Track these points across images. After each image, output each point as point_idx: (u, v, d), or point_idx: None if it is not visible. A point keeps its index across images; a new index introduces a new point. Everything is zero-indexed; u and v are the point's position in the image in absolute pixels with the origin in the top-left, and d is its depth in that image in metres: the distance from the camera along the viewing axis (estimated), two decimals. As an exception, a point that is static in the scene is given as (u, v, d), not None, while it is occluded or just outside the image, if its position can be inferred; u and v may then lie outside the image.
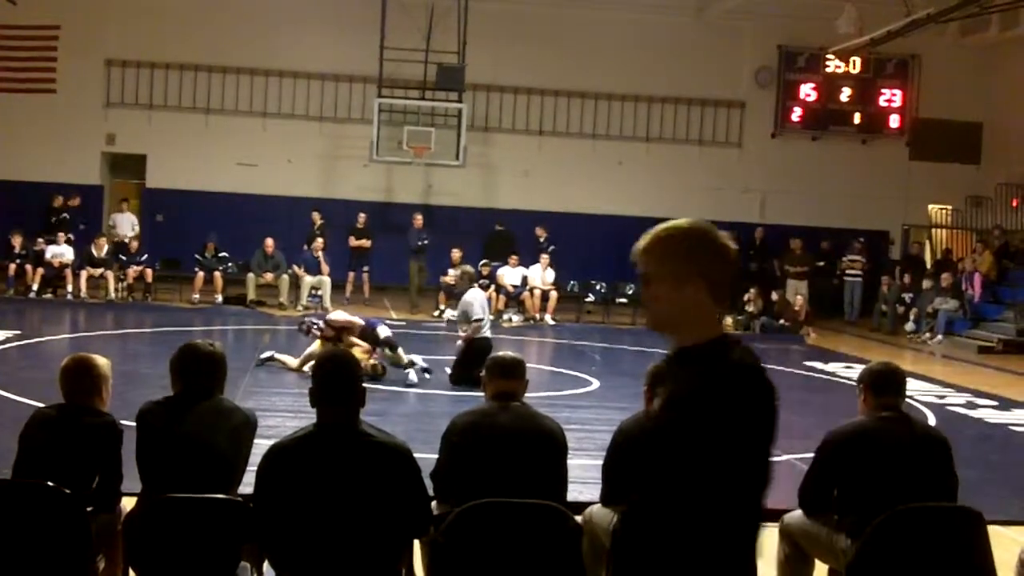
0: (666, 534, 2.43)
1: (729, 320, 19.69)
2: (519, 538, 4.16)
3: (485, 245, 20.28)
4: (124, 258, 18.99)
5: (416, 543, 4.43)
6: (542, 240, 20.01)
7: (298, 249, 19.46)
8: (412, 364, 11.51)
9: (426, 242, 19.69)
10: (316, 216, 20.15)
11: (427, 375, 11.47)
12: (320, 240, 19.35)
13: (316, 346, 11.53)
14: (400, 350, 11.67)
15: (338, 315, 12.21)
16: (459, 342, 11.69)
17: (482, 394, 5.07)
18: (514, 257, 19.49)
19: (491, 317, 12.73)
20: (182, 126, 21.73)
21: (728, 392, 2.43)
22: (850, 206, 22.70)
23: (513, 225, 20.60)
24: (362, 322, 11.89)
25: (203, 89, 21.91)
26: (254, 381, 10.97)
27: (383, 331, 11.77)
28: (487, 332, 11.73)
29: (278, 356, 12.10)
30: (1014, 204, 22.22)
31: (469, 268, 12.92)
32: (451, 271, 19.42)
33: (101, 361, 4.80)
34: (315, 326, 11.91)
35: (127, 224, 20.33)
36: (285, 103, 22.09)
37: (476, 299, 11.77)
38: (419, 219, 20.00)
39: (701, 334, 2.52)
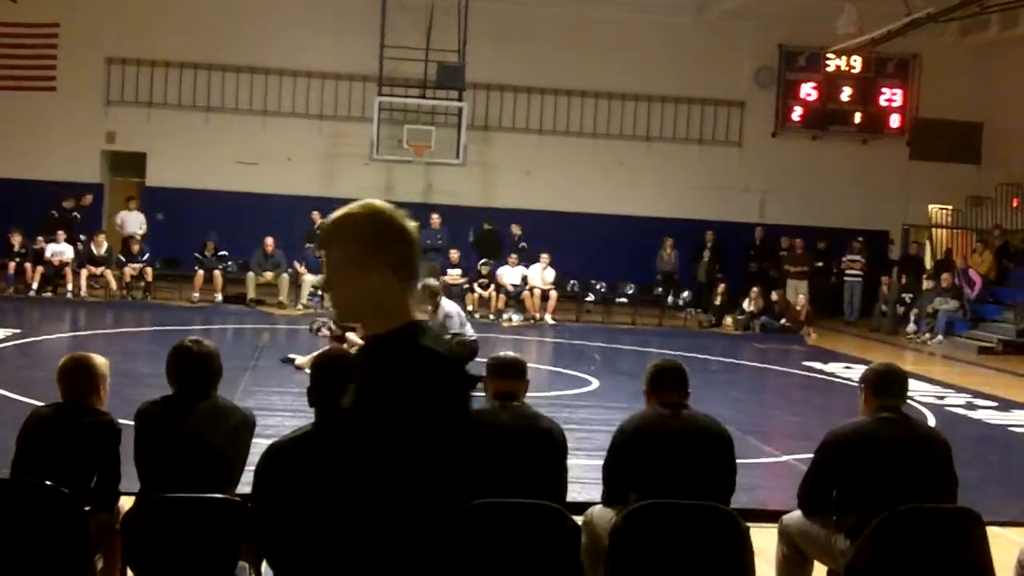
0: (366, 523, 2.42)
1: (729, 320, 19.71)
2: (518, 538, 4.15)
3: (473, 243, 20.42)
4: (123, 258, 18.97)
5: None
6: (516, 237, 20.09)
7: (298, 248, 19.45)
8: None
9: (440, 242, 19.73)
10: (316, 216, 20.09)
11: None
12: (323, 240, 19.32)
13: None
14: None
15: None
16: None
17: (483, 395, 5.06)
18: (513, 256, 19.51)
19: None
20: (182, 124, 21.69)
21: (417, 379, 2.39)
22: (850, 206, 22.66)
23: (514, 224, 20.62)
24: None
25: (203, 87, 21.88)
26: (253, 380, 10.97)
27: None
28: (472, 335, 11.48)
29: (299, 360, 12.05)
30: (1014, 204, 22.20)
31: (433, 282, 12.01)
32: (451, 271, 19.46)
33: (99, 360, 4.79)
34: (325, 325, 12.14)
35: (135, 223, 20.26)
36: (285, 101, 22.06)
37: (454, 311, 11.42)
38: (436, 219, 19.96)
39: (390, 322, 2.47)
